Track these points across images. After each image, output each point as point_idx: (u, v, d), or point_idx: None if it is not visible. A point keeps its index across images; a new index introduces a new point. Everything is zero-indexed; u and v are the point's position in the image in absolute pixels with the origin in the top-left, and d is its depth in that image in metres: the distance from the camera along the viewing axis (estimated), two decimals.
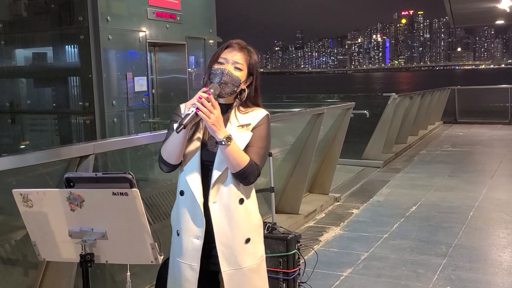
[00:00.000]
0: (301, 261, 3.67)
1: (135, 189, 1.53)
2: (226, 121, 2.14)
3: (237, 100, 2.18)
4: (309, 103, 9.01)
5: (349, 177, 7.84)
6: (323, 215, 5.88)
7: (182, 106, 2.19)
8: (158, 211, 4.23)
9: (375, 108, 9.75)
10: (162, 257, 1.64)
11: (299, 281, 3.59)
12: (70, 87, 6.77)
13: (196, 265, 2.09)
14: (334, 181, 6.81)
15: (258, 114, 2.18)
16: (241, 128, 2.13)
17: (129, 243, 1.60)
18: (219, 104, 2.14)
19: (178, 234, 2.14)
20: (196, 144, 2.11)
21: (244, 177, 2.07)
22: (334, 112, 6.39)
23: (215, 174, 2.08)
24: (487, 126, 14.10)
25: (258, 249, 2.19)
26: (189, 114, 1.95)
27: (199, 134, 2.13)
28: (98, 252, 1.62)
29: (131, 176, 1.55)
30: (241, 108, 2.17)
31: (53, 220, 1.59)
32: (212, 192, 2.07)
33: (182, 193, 2.12)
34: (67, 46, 6.69)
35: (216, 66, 2.12)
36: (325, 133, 6.41)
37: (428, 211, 5.90)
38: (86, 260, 1.59)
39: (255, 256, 2.17)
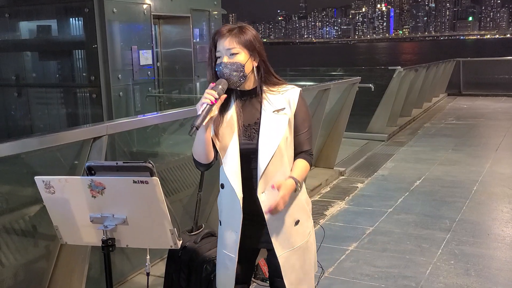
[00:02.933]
0: None
1: (155, 177, 1.56)
2: (258, 106, 2.11)
3: (259, 81, 2.12)
4: (314, 78, 8.98)
5: (354, 151, 7.89)
6: (328, 189, 5.94)
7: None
8: (166, 187, 4.29)
9: (380, 81, 9.72)
10: (181, 241, 1.69)
11: None
12: (75, 61, 6.77)
13: (234, 256, 2.14)
14: (339, 155, 6.86)
15: (291, 95, 2.13)
16: (276, 114, 2.09)
17: (149, 228, 1.64)
18: (245, 91, 2.12)
19: (220, 224, 2.20)
20: (232, 137, 2.08)
21: None
22: (340, 87, 6.39)
23: (261, 166, 2.06)
24: (491, 98, 14.06)
25: (306, 227, 2.23)
26: (200, 115, 1.88)
27: (234, 127, 2.09)
28: (118, 237, 1.67)
29: (151, 165, 1.58)
30: (270, 88, 2.13)
31: (75, 206, 1.63)
32: (260, 183, 2.06)
33: (222, 186, 2.13)
34: (71, 19, 6.66)
35: (217, 62, 2.06)
36: (331, 107, 6.43)
37: (432, 185, 5.95)
38: (108, 245, 1.64)
39: (304, 235, 2.21)
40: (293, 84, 2.22)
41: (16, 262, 2.86)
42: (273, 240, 2.13)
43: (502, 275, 3.69)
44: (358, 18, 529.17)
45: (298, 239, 2.19)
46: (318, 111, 5.67)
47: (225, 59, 2.02)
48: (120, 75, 6.48)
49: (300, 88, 2.15)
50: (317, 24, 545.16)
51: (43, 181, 1.62)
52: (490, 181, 6.06)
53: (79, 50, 6.62)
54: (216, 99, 1.94)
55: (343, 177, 6.44)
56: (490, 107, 12.48)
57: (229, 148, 2.08)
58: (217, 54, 2.06)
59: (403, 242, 4.31)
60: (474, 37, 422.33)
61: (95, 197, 1.61)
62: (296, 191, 2.07)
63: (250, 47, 2.05)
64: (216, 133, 2.08)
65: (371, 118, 9.29)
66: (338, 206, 5.31)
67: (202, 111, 1.89)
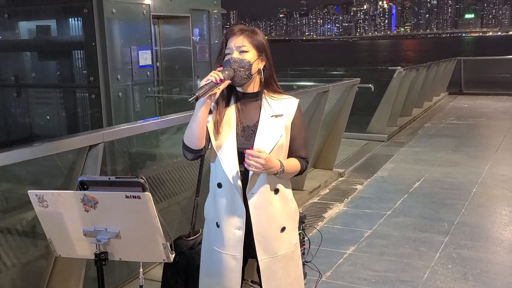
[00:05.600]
0: (305, 239, 3.75)
1: (147, 192, 1.57)
2: (258, 109, 2.16)
3: (262, 85, 2.18)
4: (314, 78, 8.98)
5: (353, 151, 7.88)
6: (327, 190, 5.94)
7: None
8: (165, 189, 4.29)
9: (381, 81, 9.71)
10: (173, 255, 1.69)
11: (303, 260, 3.66)
12: (74, 61, 6.78)
13: (239, 255, 2.13)
14: (338, 156, 6.84)
15: (290, 104, 2.18)
16: (274, 118, 2.14)
17: (142, 242, 1.65)
18: (246, 94, 2.16)
19: (218, 226, 2.16)
20: (230, 135, 2.11)
21: (298, 175, 2.23)
22: (339, 88, 6.38)
23: None
24: (492, 97, 14.03)
25: (292, 236, 2.24)
26: (202, 87, 1.94)
27: (232, 125, 2.13)
28: (111, 250, 1.67)
29: (143, 180, 1.58)
30: (271, 94, 2.18)
31: (68, 220, 1.64)
32: (249, 184, 2.09)
33: (220, 185, 2.13)
34: (70, 19, 6.66)
35: (225, 58, 2.11)
36: (330, 108, 6.42)
37: (431, 187, 5.94)
38: (101, 259, 1.64)
39: (289, 244, 2.22)
40: (291, 94, 2.27)
41: (13, 268, 2.86)
42: (256, 244, 2.14)
43: (500, 280, 3.68)
44: (360, 15, 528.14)
45: (283, 247, 2.19)
46: (317, 112, 5.66)
47: (235, 54, 2.09)
48: (119, 76, 6.48)
49: (298, 99, 2.20)
50: (319, 21, 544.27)
51: (36, 195, 1.62)
52: (489, 183, 6.05)
53: (78, 51, 6.62)
54: (221, 80, 1.99)
55: (342, 178, 6.44)
56: (491, 106, 12.45)
57: (227, 146, 2.11)
58: (227, 51, 2.12)
59: (401, 246, 4.31)
60: (476, 35, 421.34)
61: (88, 211, 1.61)
62: (276, 174, 2.09)
63: (259, 48, 2.13)
64: (215, 130, 2.12)
65: (371, 118, 9.28)
66: (336, 208, 5.31)
67: (205, 85, 1.95)
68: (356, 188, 5.99)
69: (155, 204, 1.65)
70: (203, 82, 1.98)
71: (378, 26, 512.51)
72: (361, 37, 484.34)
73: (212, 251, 2.21)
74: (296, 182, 5.66)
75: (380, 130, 9.01)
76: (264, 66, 2.15)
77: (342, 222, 4.90)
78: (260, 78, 2.16)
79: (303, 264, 3.66)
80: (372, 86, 8.40)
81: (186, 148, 2.08)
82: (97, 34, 6.25)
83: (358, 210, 5.23)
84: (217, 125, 2.12)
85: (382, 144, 8.43)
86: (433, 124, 10.34)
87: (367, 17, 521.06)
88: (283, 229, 2.18)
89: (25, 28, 7.15)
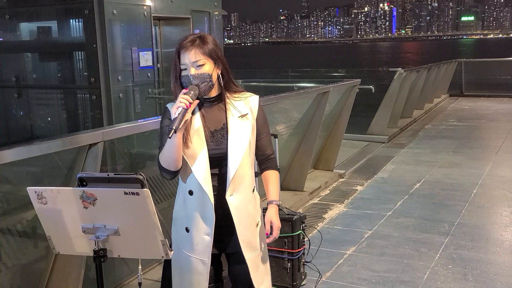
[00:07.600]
0: (305, 240, 3.75)
1: (146, 189, 1.57)
2: (223, 111, 2.19)
3: (222, 87, 2.20)
4: (315, 80, 8.98)
5: (354, 153, 7.88)
6: (328, 191, 5.94)
7: (170, 106, 2.17)
8: (165, 189, 4.29)
9: (381, 83, 9.71)
10: (172, 252, 1.70)
11: (303, 260, 3.67)
12: (75, 62, 6.79)
13: (207, 260, 2.16)
14: (339, 157, 6.84)
15: (252, 101, 2.24)
16: (241, 119, 2.18)
17: (140, 239, 1.66)
18: (208, 98, 2.17)
19: (188, 231, 2.18)
20: (200, 143, 2.12)
21: None
22: (340, 89, 6.38)
23: (232, 170, 2.11)
24: (493, 99, 14.03)
25: (263, 229, 2.33)
26: (177, 117, 1.95)
27: (200, 133, 2.13)
28: (110, 247, 1.68)
29: (142, 177, 1.59)
30: (233, 95, 2.22)
31: (67, 217, 1.64)
32: (229, 187, 2.13)
33: (191, 192, 2.14)
34: (71, 21, 6.67)
35: (182, 74, 2.11)
36: (331, 109, 6.42)
37: (432, 188, 5.94)
38: (100, 256, 1.65)
39: (263, 237, 2.31)
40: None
41: (13, 268, 2.87)
42: (241, 244, 2.19)
43: (500, 280, 3.68)
44: (361, 17, 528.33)
45: (261, 241, 2.30)
46: (318, 113, 5.66)
47: (192, 71, 2.09)
48: (120, 77, 6.49)
49: (258, 95, 2.27)
50: (319, 23, 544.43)
51: (36, 192, 1.63)
52: (490, 184, 6.05)
53: (79, 52, 6.63)
54: (190, 103, 2.02)
55: (343, 179, 6.43)
56: (492, 108, 12.45)
57: (197, 154, 2.12)
58: (182, 67, 2.12)
59: (402, 246, 4.30)
60: (477, 37, 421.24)
61: (87, 207, 1.62)
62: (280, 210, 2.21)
63: (214, 56, 2.14)
64: (184, 141, 2.11)
65: (372, 120, 9.28)
66: (337, 209, 5.30)
67: (178, 114, 1.97)
68: (357, 189, 5.99)
69: (155, 204, 1.66)
70: (174, 110, 1.99)
71: (379, 28, 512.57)
72: (362, 39, 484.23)
73: (181, 253, 2.23)
74: (296, 183, 5.67)
75: (381, 132, 9.02)
76: (221, 71, 2.17)
77: (342, 223, 4.90)
78: (219, 82, 2.17)
79: (303, 264, 3.67)
80: (372, 88, 8.40)
81: (164, 170, 2.10)
82: (98, 35, 6.26)
83: (359, 211, 5.23)
84: (185, 135, 2.10)
85: (383, 146, 8.44)
86: (433, 125, 10.34)
87: (368, 19, 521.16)
88: (257, 224, 2.28)
89: (26, 29, 7.16)
